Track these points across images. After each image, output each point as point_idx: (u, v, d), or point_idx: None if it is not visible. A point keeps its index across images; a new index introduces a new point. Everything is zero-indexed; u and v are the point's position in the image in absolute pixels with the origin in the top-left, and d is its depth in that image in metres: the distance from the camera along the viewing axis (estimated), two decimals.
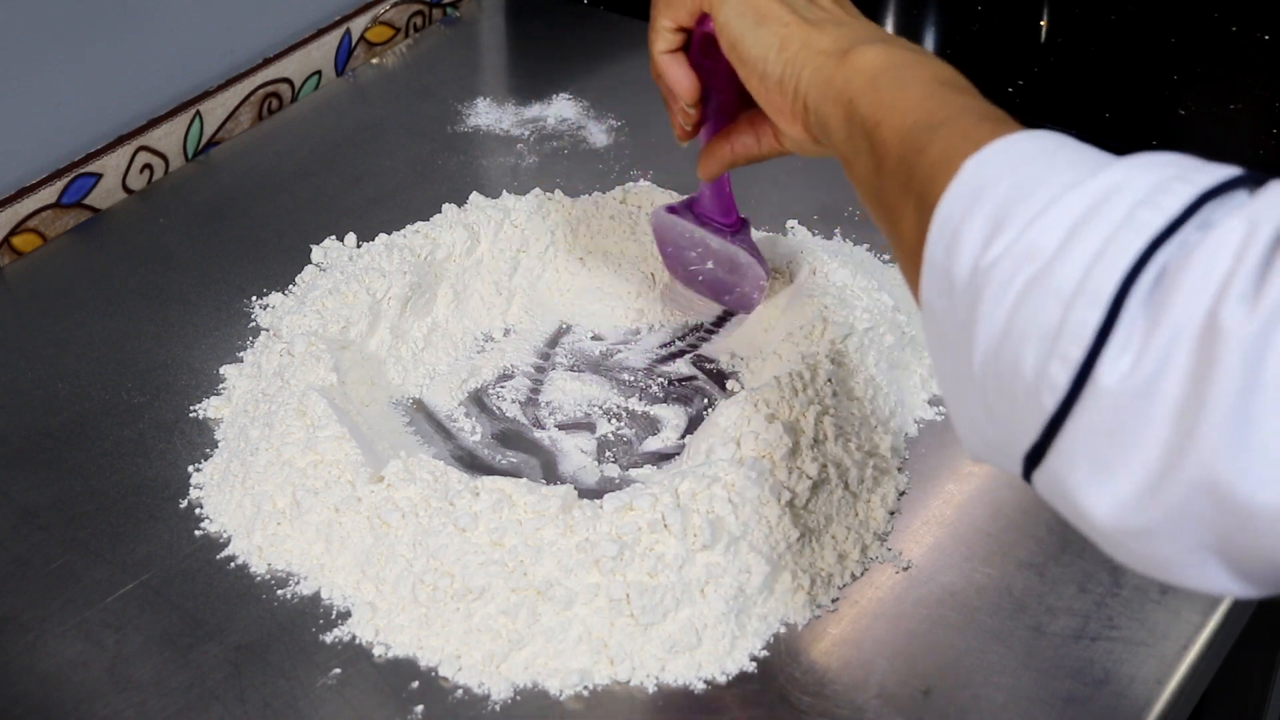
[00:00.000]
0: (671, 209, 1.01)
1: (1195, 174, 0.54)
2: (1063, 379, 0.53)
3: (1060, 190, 0.56)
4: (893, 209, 0.65)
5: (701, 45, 0.87)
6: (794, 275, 1.02)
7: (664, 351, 1.04)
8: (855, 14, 0.79)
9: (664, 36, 0.87)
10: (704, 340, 1.04)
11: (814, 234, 1.11)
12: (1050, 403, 0.54)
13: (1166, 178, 0.54)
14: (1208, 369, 0.49)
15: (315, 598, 0.85)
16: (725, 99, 0.89)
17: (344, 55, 1.36)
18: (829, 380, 0.91)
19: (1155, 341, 0.51)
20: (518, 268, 1.07)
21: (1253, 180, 0.54)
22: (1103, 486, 0.53)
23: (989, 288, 0.56)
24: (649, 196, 1.10)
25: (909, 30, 1.47)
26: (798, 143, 0.81)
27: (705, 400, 0.99)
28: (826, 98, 0.73)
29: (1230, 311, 0.49)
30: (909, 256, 0.63)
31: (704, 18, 0.84)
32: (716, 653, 0.81)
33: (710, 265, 1.02)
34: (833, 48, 0.74)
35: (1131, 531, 0.53)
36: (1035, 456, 0.56)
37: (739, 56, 0.79)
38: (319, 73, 1.34)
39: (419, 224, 1.08)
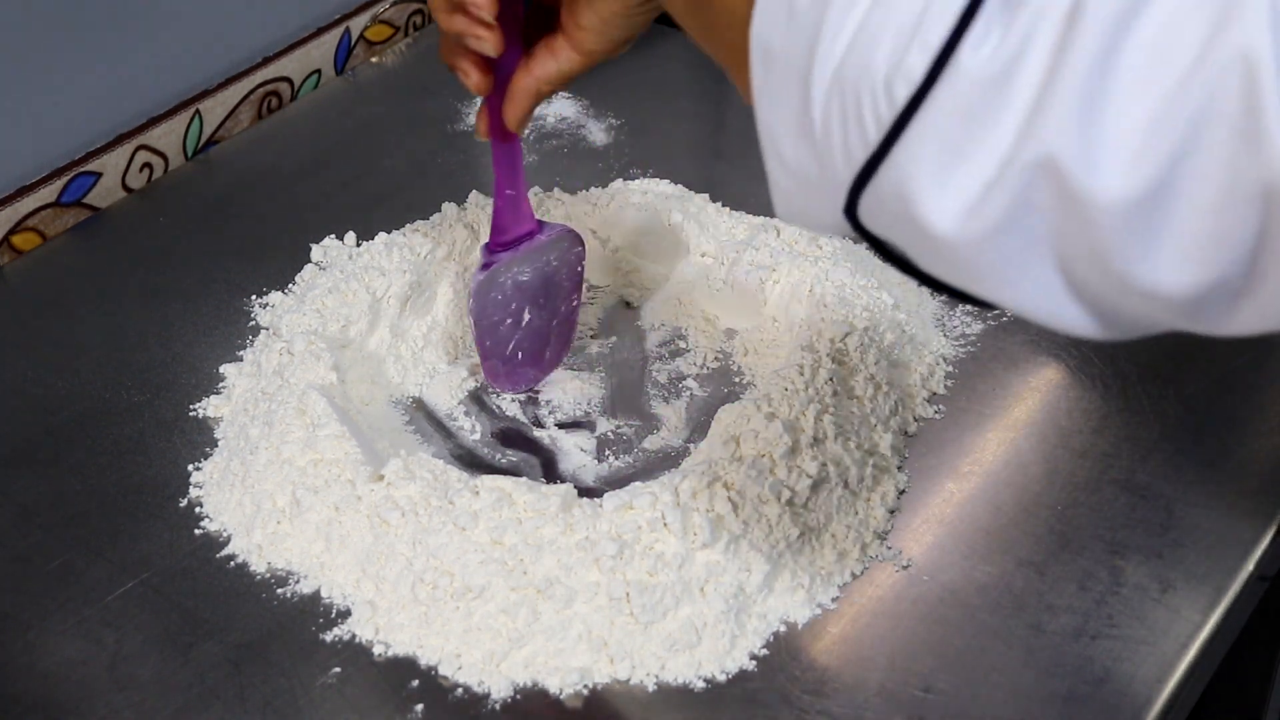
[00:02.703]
0: (484, 266, 0.94)
1: None
2: (920, 65, 0.51)
3: None
4: None
5: None
6: (793, 274, 1.01)
7: (664, 350, 1.04)
8: None
9: None
10: (704, 339, 1.04)
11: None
12: (904, 92, 0.51)
13: None
14: (1065, 49, 0.48)
15: (315, 596, 0.85)
16: (512, 42, 0.84)
17: (344, 54, 1.36)
18: (830, 379, 0.91)
19: (1017, 23, 0.49)
20: None
21: None
22: (947, 184, 0.51)
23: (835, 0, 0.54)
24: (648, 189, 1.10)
25: None
26: (603, 13, 0.79)
27: (705, 399, 0.99)
28: None
29: None
30: (727, 11, 0.61)
31: None
32: (716, 651, 0.81)
33: (527, 315, 0.97)
34: None
35: (972, 238, 0.51)
36: (869, 171, 0.53)
37: None
38: (318, 71, 1.34)
39: (419, 223, 1.08)
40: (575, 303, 1.00)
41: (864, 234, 0.57)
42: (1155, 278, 0.48)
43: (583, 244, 0.98)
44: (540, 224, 0.96)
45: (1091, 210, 0.48)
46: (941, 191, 0.51)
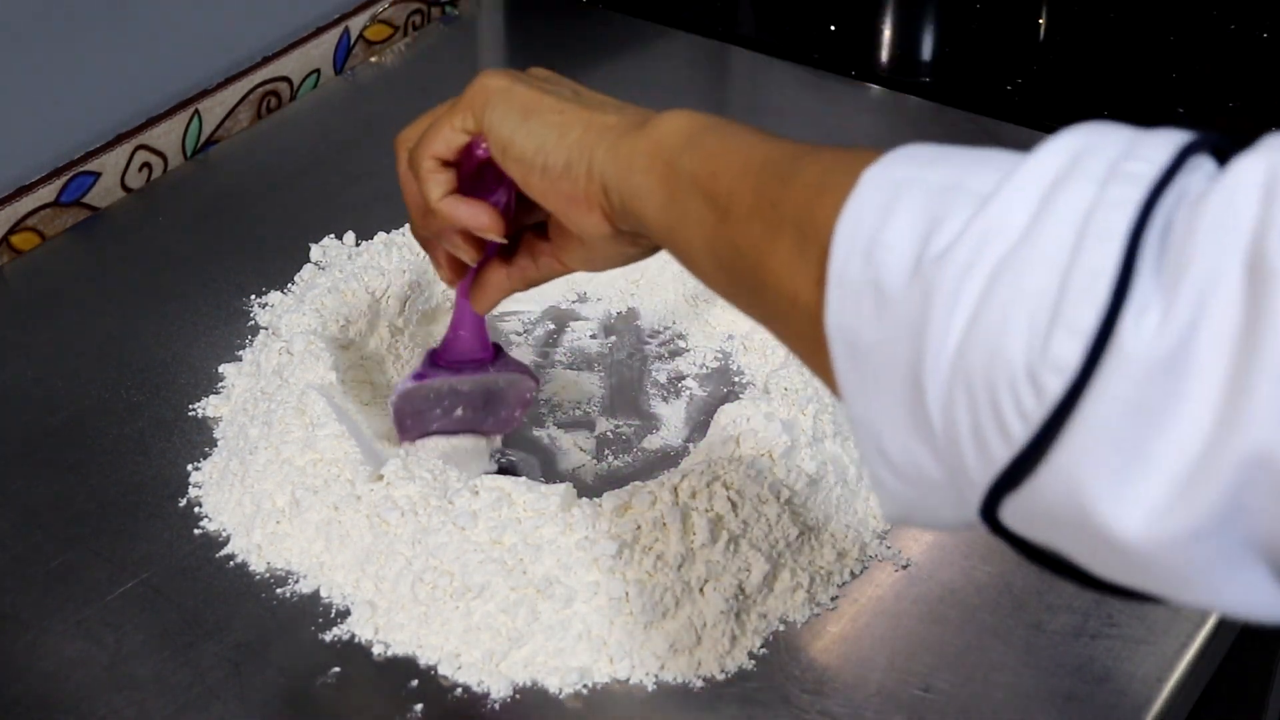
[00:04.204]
0: (418, 375, 0.89)
1: (1155, 134, 0.47)
2: (1073, 352, 0.44)
3: (1005, 174, 0.47)
4: (755, 250, 0.57)
5: (474, 176, 0.77)
6: None
7: (664, 350, 1.04)
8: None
9: (436, 180, 0.76)
10: (704, 339, 1.04)
11: None
12: (1056, 385, 0.44)
13: (1131, 137, 0.47)
14: (1256, 317, 0.41)
15: (314, 596, 0.85)
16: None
17: (343, 54, 1.36)
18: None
19: (1181, 293, 0.42)
20: None
21: (1210, 140, 0.47)
22: (1130, 485, 0.43)
23: (943, 282, 0.47)
24: None
25: (908, 30, 1.47)
26: (592, 238, 0.71)
27: (705, 399, 0.99)
28: (633, 169, 0.65)
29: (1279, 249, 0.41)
30: (786, 299, 0.55)
31: (472, 146, 0.75)
32: (716, 651, 0.81)
33: (459, 412, 0.92)
34: (624, 124, 0.67)
35: (1165, 541, 0.43)
36: (1015, 475, 0.46)
37: (514, 157, 0.71)
38: (318, 71, 1.34)
39: None
40: (515, 422, 0.94)
41: (1004, 534, 0.49)
42: None
43: (536, 381, 0.93)
44: (496, 352, 0.90)
45: None
46: (1122, 494, 0.44)
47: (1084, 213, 0.45)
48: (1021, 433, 0.45)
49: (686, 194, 0.62)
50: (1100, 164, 0.46)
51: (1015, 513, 0.48)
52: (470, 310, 0.86)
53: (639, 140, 0.65)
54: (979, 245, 0.46)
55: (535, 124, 0.70)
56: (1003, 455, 0.46)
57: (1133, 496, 0.43)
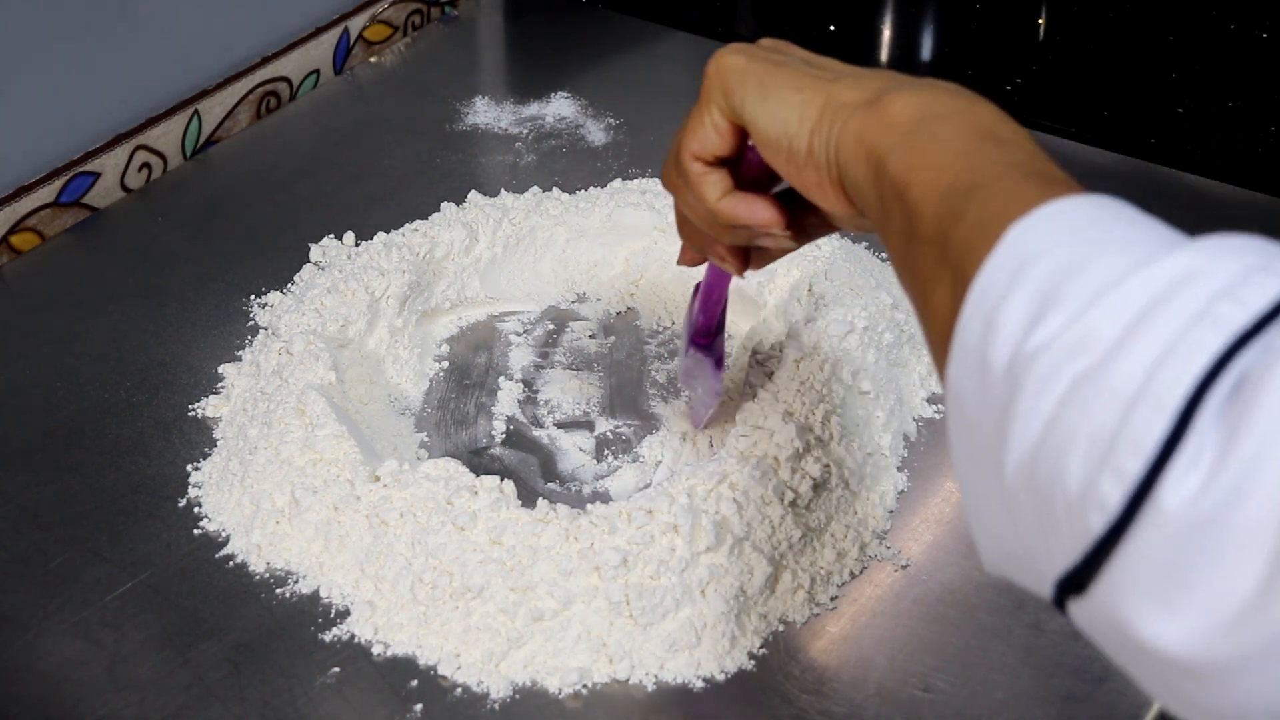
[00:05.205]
0: (699, 344, 0.91)
1: (1274, 266, 0.47)
2: (1116, 497, 0.45)
3: (1122, 271, 0.48)
4: (926, 281, 0.57)
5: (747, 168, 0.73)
6: (792, 274, 1.01)
7: (664, 350, 1.04)
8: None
9: (709, 182, 0.72)
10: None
11: None
12: (1098, 524, 0.46)
13: (1249, 267, 0.46)
14: None
15: (314, 596, 0.85)
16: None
17: (342, 54, 1.36)
18: (840, 380, 0.91)
19: (1233, 458, 0.43)
20: (516, 265, 1.07)
21: None
22: (1170, 619, 0.45)
23: (1030, 379, 0.48)
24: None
25: (908, 30, 1.47)
26: (841, 219, 0.71)
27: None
28: (857, 156, 0.63)
29: None
30: (939, 336, 0.55)
31: (741, 135, 0.71)
32: (716, 651, 0.81)
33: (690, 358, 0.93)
34: (859, 99, 0.64)
35: (1216, 664, 0.44)
36: (1074, 583, 0.48)
37: (760, 140, 0.68)
38: (317, 71, 1.34)
39: (417, 222, 1.08)
40: (703, 409, 0.96)
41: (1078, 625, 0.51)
42: None
43: (701, 417, 0.96)
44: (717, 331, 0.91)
45: None
46: (1165, 625, 0.45)
47: (1163, 349, 0.45)
48: (1075, 551, 0.47)
49: (890, 198, 0.60)
50: (1198, 297, 0.46)
51: (1078, 614, 0.49)
52: (719, 286, 0.86)
53: (866, 124, 0.63)
54: (1067, 355, 0.47)
55: (774, 104, 0.67)
56: (1062, 564, 0.48)
57: (1174, 629, 0.44)
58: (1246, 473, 0.43)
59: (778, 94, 0.67)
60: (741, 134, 0.70)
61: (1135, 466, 0.45)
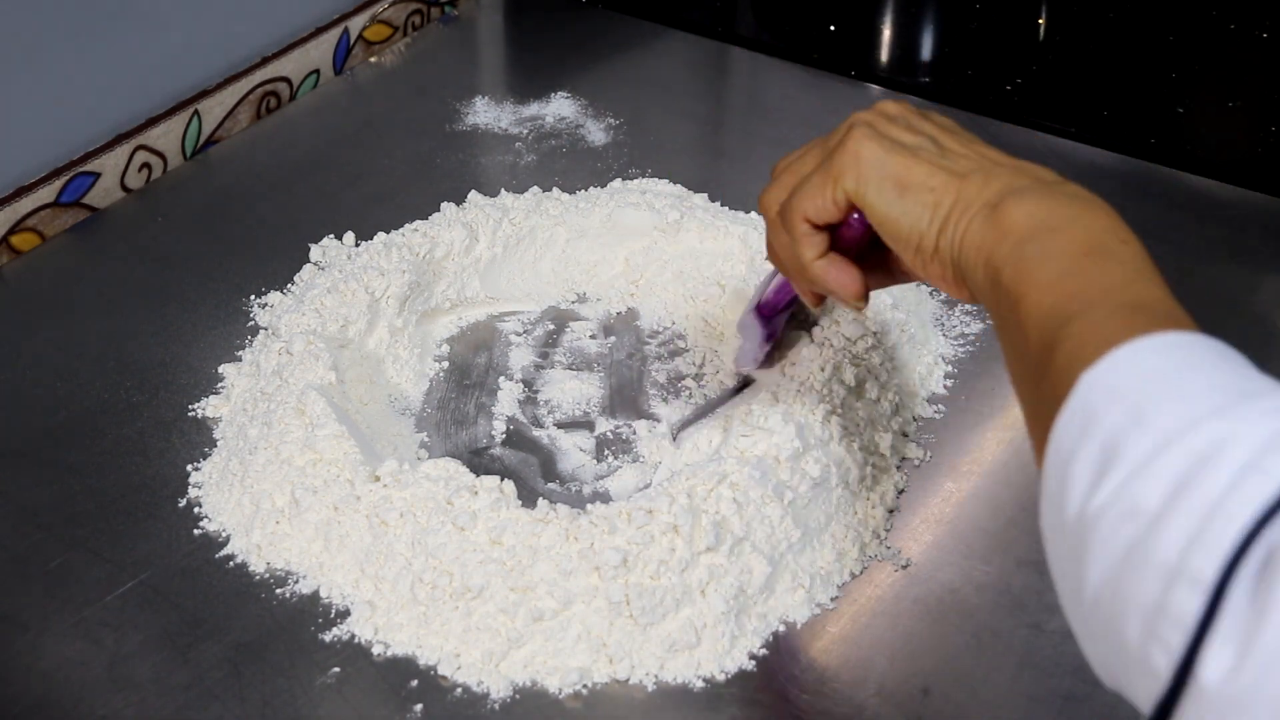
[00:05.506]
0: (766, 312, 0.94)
1: None
2: (1164, 668, 0.49)
3: (1170, 434, 0.51)
4: (1030, 395, 0.61)
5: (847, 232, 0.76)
6: None
7: (664, 350, 1.04)
8: (985, 146, 0.72)
9: (811, 243, 0.75)
10: (703, 339, 1.04)
11: None
12: (1155, 689, 0.49)
13: (1275, 433, 0.50)
14: None
15: (314, 596, 0.85)
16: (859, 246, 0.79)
17: (342, 54, 1.36)
18: (841, 381, 0.91)
19: (1264, 635, 0.46)
20: (516, 265, 1.07)
21: None
22: None
23: (1095, 539, 0.53)
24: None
25: (908, 30, 1.47)
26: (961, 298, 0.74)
27: (704, 398, 0.99)
28: (977, 262, 0.66)
29: None
30: (1038, 446, 0.59)
31: (850, 218, 0.74)
32: (716, 651, 0.81)
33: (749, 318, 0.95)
34: (984, 200, 0.67)
35: None
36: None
37: (889, 234, 0.71)
38: (317, 71, 1.34)
39: (417, 222, 1.08)
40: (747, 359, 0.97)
41: None
42: None
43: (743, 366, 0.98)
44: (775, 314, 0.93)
45: None
46: None
47: (1198, 523, 0.49)
48: (1146, 705, 0.51)
49: (1005, 306, 0.64)
50: (1229, 468, 0.49)
51: None
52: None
53: (987, 229, 0.66)
54: (1120, 522, 0.51)
55: (910, 203, 0.70)
56: (1140, 697, 0.52)
57: None
58: (1275, 649, 0.46)
59: (913, 194, 0.70)
60: (853, 208, 0.73)
61: (1178, 640, 0.48)
